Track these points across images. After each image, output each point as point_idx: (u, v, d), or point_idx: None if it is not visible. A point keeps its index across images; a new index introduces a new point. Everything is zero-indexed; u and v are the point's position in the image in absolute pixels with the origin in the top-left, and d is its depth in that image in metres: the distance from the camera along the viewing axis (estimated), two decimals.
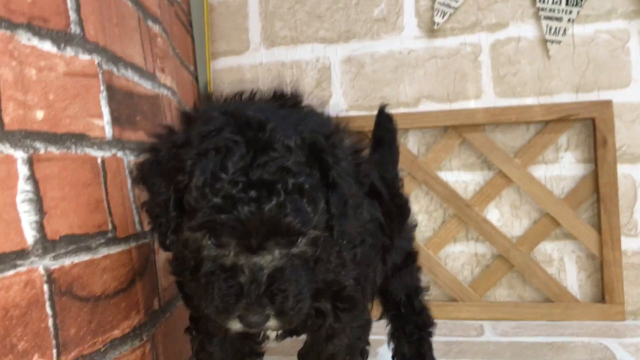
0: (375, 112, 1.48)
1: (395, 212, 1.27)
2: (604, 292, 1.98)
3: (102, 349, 0.92)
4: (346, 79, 2.20)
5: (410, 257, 1.35)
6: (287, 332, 1.02)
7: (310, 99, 1.01)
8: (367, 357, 1.14)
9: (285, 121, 0.88)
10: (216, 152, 0.83)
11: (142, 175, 0.92)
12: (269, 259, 0.84)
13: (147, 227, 1.12)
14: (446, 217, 2.15)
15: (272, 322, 0.84)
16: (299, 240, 0.86)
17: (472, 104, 2.10)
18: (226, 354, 1.06)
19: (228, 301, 0.82)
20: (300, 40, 2.24)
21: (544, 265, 2.05)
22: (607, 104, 1.97)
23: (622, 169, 1.98)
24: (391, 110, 1.49)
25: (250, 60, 2.27)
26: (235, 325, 0.84)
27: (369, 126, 1.48)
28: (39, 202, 0.83)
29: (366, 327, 1.13)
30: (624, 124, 1.99)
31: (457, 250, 2.15)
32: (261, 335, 1.01)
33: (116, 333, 0.97)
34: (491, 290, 2.11)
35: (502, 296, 2.11)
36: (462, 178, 2.13)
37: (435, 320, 1.40)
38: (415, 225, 1.42)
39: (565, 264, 2.06)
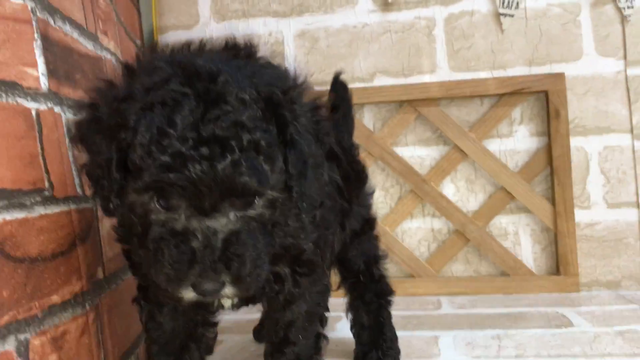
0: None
1: (354, 177, 1.23)
2: (559, 264, 2.00)
3: (40, 315, 0.84)
4: (300, 53, 2.15)
5: (368, 224, 1.32)
6: (243, 300, 0.96)
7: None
8: (326, 324, 1.10)
9: (239, 72, 0.82)
10: (163, 105, 0.76)
11: (81, 134, 0.84)
12: (223, 222, 0.78)
13: (88, 192, 1.04)
14: (402, 193, 2.12)
15: (228, 290, 0.78)
16: (256, 201, 0.80)
17: (427, 78, 2.09)
18: (177, 324, 1.00)
19: (180, 268, 0.76)
20: (252, 14, 2.17)
21: (500, 239, 2.06)
22: (560, 77, 1.98)
23: (575, 142, 2.00)
24: None
25: (199, 34, 2.19)
26: (189, 294, 0.78)
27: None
28: None
29: (325, 293, 1.09)
30: (576, 97, 2.00)
31: (414, 226, 2.13)
32: (215, 304, 0.95)
33: (55, 299, 0.89)
34: (448, 265, 2.10)
35: (458, 271, 2.11)
36: (418, 153, 2.11)
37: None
38: (373, 192, 1.38)
39: (520, 237, 2.07)
